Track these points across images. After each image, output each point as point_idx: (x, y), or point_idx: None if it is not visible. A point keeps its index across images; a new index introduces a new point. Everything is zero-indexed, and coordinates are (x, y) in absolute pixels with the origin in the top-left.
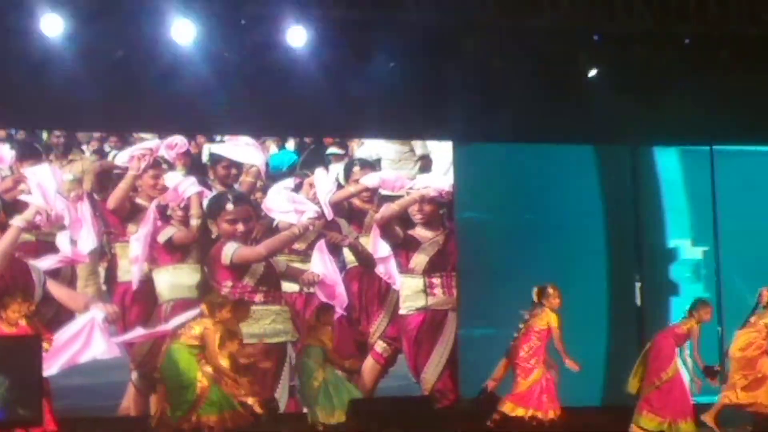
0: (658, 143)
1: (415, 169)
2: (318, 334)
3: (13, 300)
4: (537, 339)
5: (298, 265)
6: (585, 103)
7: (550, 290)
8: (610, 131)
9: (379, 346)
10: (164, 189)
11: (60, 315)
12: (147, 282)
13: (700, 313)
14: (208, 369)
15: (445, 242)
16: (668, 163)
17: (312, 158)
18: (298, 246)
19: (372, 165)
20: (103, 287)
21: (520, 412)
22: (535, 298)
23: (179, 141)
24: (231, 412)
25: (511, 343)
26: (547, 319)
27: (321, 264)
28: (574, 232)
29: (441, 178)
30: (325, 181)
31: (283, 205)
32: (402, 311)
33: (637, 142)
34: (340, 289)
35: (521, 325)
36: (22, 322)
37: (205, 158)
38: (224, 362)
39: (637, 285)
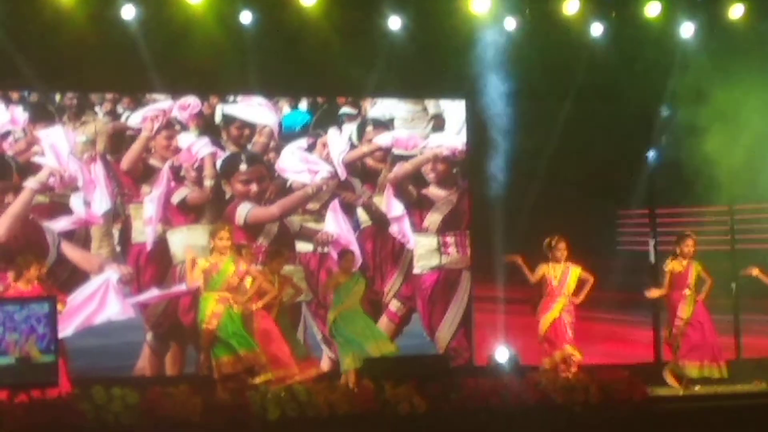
0: None
1: (428, 128)
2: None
3: (27, 260)
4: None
5: (312, 225)
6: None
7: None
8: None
9: (394, 305)
10: (177, 150)
11: (74, 276)
12: (161, 243)
13: (681, 248)
14: (219, 308)
15: (458, 201)
16: None
17: (325, 118)
18: (312, 206)
19: (385, 124)
20: (118, 248)
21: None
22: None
23: (192, 102)
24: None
25: None
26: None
27: (335, 224)
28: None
29: (454, 136)
30: (339, 140)
31: (297, 165)
32: (416, 270)
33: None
34: (354, 249)
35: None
36: (36, 283)
37: (218, 119)
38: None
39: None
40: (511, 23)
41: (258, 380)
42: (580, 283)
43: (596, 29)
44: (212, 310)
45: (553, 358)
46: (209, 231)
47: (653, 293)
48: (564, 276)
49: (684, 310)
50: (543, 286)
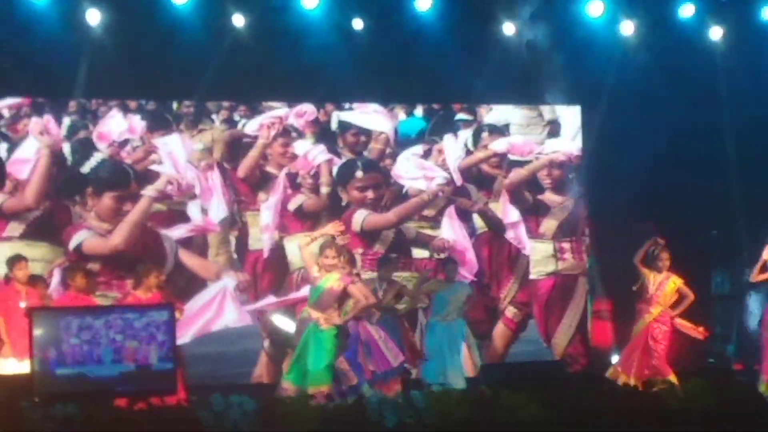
0: None
1: (544, 133)
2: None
3: (147, 269)
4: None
5: (428, 231)
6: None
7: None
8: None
9: (510, 311)
10: (294, 157)
11: (192, 284)
12: (278, 250)
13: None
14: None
15: (574, 207)
16: None
17: (441, 124)
18: (428, 212)
19: (501, 130)
20: (234, 256)
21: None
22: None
23: (308, 109)
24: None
25: None
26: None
27: (451, 230)
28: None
29: (569, 142)
30: (454, 147)
31: (413, 171)
32: (532, 276)
33: None
34: (471, 255)
35: None
36: (156, 291)
37: (334, 126)
38: None
39: None
40: (626, 27)
41: None
42: (680, 296)
43: (716, 33)
44: (299, 325)
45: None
46: (319, 245)
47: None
48: (662, 285)
49: None
50: (641, 293)
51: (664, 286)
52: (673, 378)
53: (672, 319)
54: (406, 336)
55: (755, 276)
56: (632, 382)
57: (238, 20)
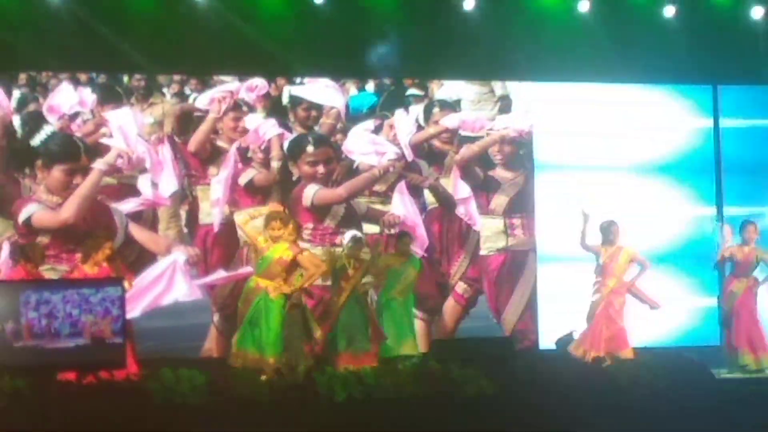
0: None
1: (495, 109)
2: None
3: (97, 243)
4: None
5: (378, 206)
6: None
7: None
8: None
9: (460, 287)
10: (245, 131)
11: (142, 258)
12: (228, 224)
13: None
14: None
15: (525, 183)
16: None
17: (392, 100)
18: (379, 188)
19: (452, 106)
20: (185, 230)
21: None
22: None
23: (259, 83)
24: None
25: None
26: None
27: (401, 205)
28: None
29: (521, 118)
30: (405, 122)
31: (364, 146)
32: (482, 252)
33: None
34: (421, 231)
35: None
36: (105, 265)
37: (285, 100)
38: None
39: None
40: (583, 5)
41: None
42: (633, 266)
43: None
44: (247, 295)
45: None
46: (264, 218)
47: None
48: (614, 256)
49: None
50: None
51: (617, 257)
52: (629, 353)
53: (628, 289)
54: (372, 317)
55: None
56: (593, 355)
57: None
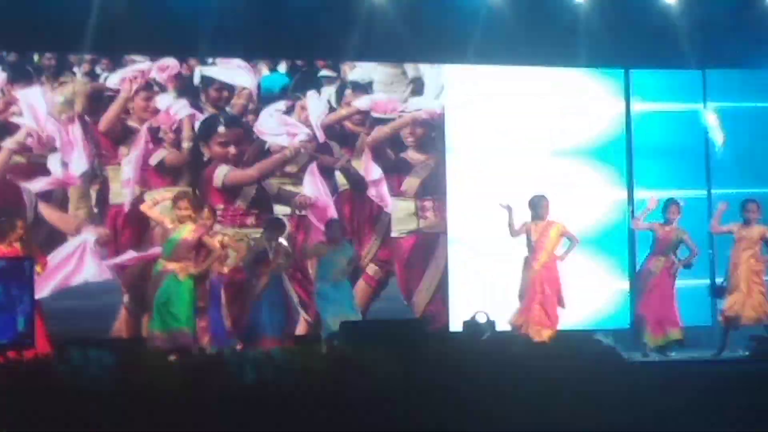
0: None
1: (407, 92)
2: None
3: (12, 223)
4: None
5: (290, 187)
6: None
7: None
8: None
9: (371, 268)
10: (156, 111)
11: (52, 238)
12: (138, 205)
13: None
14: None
15: (436, 165)
16: None
17: (304, 81)
18: (290, 169)
19: (364, 88)
20: (95, 210)
21: None
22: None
23: (171, 63)
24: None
25: None
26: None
27: (313, 187)
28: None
29: (432, 101)
30: (317, 103)
31: (275, 127)
32: (394, 234)
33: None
34: (332, 212)
35: None
36: (17, 245)
37: (196, 81)
38: None
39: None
40: None
41: None
42: (563, 241)
43: None
44: (155, 278)
45: (519, 320)
46: (172, 197)
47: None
48: (545, 231)
49: None
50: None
51: (548, 231)
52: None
53: (558, 263)
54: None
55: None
56: (528, 329)
57: None
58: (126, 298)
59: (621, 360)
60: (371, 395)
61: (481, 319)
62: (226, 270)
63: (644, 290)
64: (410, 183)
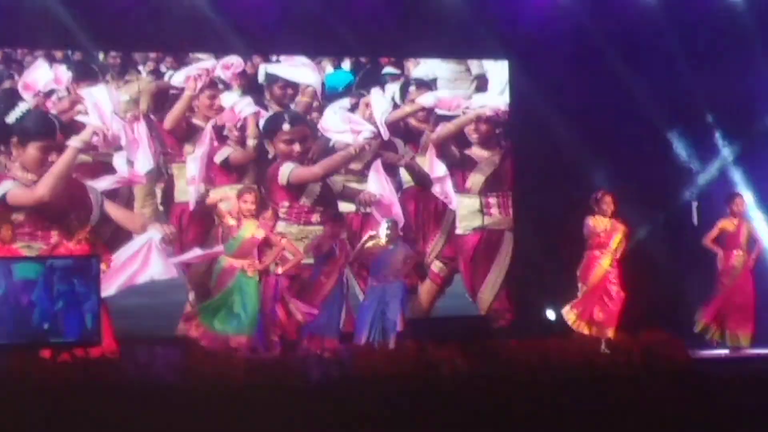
0: None
1: (471, 88)
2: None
3: (80, 220)
4: None
5: (354, 185)
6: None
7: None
8: None
9: (436, 266)
10: (220, 109)
11: (117, 236)
12: (204, 202)
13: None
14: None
15: (501, 162)
16: None
17: (368, 78)
18: (355, 166)
19: (428, 84)
20: (160, 208)
21: None
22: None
23: (235, 61)
24: None
25: None
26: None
27: (377, 184)
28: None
29: (497, 97)
30: (381, 100)
31: (340, 125)
32: (458, 231)
33: None
34: (397, 209)
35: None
36: (84, 242)
37: (261, 78)
38: None
39: (694, 204)
40: None
41: None
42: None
43: None
44: (218, 275)
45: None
46: (236, 192)
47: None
48: (612, 233)
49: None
50: (589, 240)
51: (614, 234)
52: (610, 332)
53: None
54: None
55: (708, 241)
56: (586, 329)
57: None
58: (192, 295)
59: None
60: (437, 392)
61: (551, 316)
62: (280, 270)
63: (728, 286)
64: (475, 180)
